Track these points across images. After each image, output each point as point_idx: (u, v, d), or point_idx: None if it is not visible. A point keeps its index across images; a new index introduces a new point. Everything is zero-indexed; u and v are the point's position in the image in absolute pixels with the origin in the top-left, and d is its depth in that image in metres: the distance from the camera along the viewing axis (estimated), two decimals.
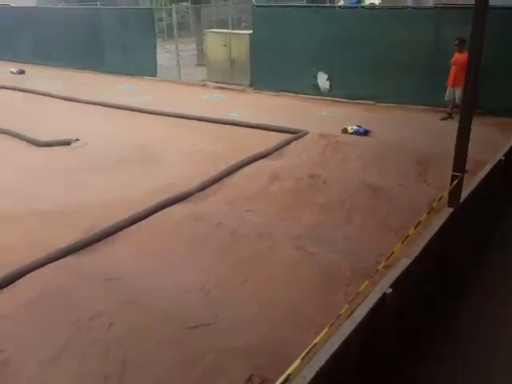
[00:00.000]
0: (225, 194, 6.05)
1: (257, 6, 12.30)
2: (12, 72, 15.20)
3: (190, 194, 5.95)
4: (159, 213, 5.49)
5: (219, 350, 3.34)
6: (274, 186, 6.13)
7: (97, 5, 20.60)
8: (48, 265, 4.42)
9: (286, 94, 11.44)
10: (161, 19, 22.08)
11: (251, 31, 12.34)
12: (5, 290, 4.15)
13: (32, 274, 4.30)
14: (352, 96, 10.55)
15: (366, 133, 8.37)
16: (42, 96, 11.85)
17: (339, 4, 16.22)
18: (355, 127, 8.45)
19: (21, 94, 12.19)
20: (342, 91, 10.71)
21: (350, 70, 10.41)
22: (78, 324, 3.66)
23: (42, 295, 4.01)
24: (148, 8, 19.34)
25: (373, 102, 10.30)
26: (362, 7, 12.31)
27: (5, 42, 17.52)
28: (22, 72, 15.27)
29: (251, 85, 12.32)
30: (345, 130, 8.40)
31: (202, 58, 15.76)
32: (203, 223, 5.20)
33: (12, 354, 3.43)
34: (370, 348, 2.67)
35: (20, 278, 4.27)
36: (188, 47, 16.31)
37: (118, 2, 23.43)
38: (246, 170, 6.70)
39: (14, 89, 12.57)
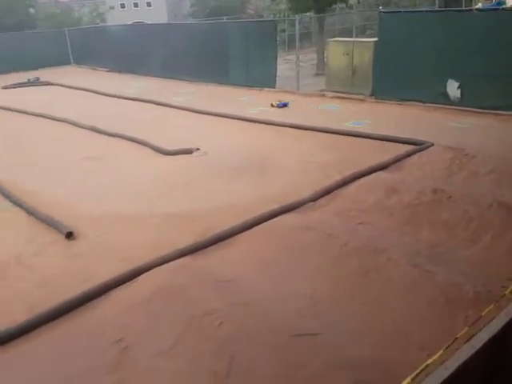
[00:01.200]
0: (337, 205, 5.93)
1: (384, 13, 11.98)
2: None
3: (301, 204, 5.93)
4: (271, 221, 5.55)
5: (324, 360, 3.28)
6: (391, 200, 5.86)
7: (223, 19, 21.70)
8: (167, 264, 4.70)
9: (410, 103, 10.93)
10: (283, 30, 22.54)
11: (376, 39, 12.05)
12: (127, 284, 4.48)
13: (152, 271, 4.60)
14: (486, 105, 9.73)
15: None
16: (164, 107, 12.75)
17: (477, 7, 15.11)
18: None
19: (152, 105, 13.22)
20: (475, 100, 9.91)
21: (484, 78, 9.62)
22: (190, 321, 3.83)
23: (160, 291, 4.26)
24: (271, 20, 19.89)
25: (510, 113, 9.38)
26: (504, 9, 11.30)
27: (138, 57, 19.15)
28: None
29: (372, 94, 12.00)
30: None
31: (321, 68, 15.78)
32: (314, 233, 5.15)
33: (131, 343, 3.69)
34: (488, 378, 2.38)
35: (141, 274, 4.58)
36: (308, 57, 16.44)
37: (244, 15, 24.44)
38: (361, 181, 6.51)
39: (145, 101, 13.65)
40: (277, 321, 3.77)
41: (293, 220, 5.52)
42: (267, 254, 4.88)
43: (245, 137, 9.33)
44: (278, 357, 3.37)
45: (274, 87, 14.18)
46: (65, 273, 4.81)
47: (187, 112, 12.01)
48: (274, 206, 5.80)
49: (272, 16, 25.81)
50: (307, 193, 6.16)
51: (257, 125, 10.20)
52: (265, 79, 14.33)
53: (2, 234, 5.82)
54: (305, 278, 4.40)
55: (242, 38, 15.17)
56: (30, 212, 6.24)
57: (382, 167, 6.98)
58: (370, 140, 8.44)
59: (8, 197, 6.85)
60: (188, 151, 8.43)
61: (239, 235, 5.30)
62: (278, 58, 14.72)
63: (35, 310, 4.10)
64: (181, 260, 4.80)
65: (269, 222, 5.53)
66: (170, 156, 8.40)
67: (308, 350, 3.43)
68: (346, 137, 8.77)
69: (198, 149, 8.44)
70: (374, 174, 6.69)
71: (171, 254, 4.88)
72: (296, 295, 4.13)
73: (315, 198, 6.09)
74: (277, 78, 14.25)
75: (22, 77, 19.43)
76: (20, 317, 4.04)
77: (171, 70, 17.52)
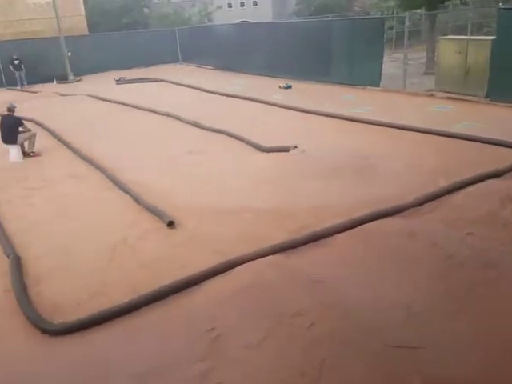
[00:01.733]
0: (444, 212, 5.54)
1: (504, 9, 11.04)
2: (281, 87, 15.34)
3: (404, 209, 5.62)
4: (369, 224, 5.34)
5: (425, 376, 3.07)
6: (506, 210, 5.36)
7: (328, 17, 21.44)
8: (260, 259, 4.71)
9: None
10: (391, 28, 21.74)
11: (494, 37, 11.16)
12: (221, 275, 4.57)
13: (245, 265, 4.65)
14: None
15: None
16: (266, 105, 12.87)
17: None
18: None
19: (252, 103, 13.42)
20: None
21: None
22: (280, 318, 3.79)
23: (252, 286, 4.29)
24: (379, 17, 19.26)
25: None
26: None
27: (241, 55, 19.56)
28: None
29: (487, 95, 11.12)
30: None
31: (431, 67, 14.96)
32: (416, 241, 4.86)
33: (221, 333, 3.75)
34: None
35: (235, 267, 4.65)
36: (416, 55, 15.67)
37: (351, 13, 23.99)
38: (471, 189, 6.03)
39: (245, 98, 13.89)
40: (371, 328, 3.61)
41: (393, 225, 5.26)
42: (364, 258, 4.69)
43: (346, 136, 9.12)
44: (374, 366, 3.22)
45: (379, 86, 13.71)
46: (164, 258, 5.05)
47: (287, 110, 12.03)
48: (372, 210, 5.57)
49: (380, 13, 24.98)
50: (410, 198, 5.83)
51: (359, 124, 9.93)
52: (369, 77, 13.91)
53: (111, 217, 6.28)
54: (403, 287, 4.16)
55: (346, 36, 14.90)
56: (136, 199, 6.64)
57: (496, 175, 6.41)
58: (483, 144, 7.82)
59: (117, 184, 7.36)
60: (285, 149, 8.42)
61: (335, 236, 5.17)
62: (384, 56, 14.22)
63: (137, 291, 4.35)
64: (274, 256, 4.79)
65: (367, 224, 5.33)
66: (268, 153, 8.45)
67: (407, 363, 3.24)
68: (457, 140, 8.21)
69: (295, 147, 8.40)
70: (486, 182, 6.17)
71: (264, 249, 4.89)
72: (393, 305, 3.92)
73: (419, 204, 5.74)
74: (382, 77, 13.76)
75: (134, 74, 20.84)
76: (122, 296, 4.30)
77: (273, 68, 17.70)
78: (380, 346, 3.40)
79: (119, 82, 19.20)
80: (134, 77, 19.95)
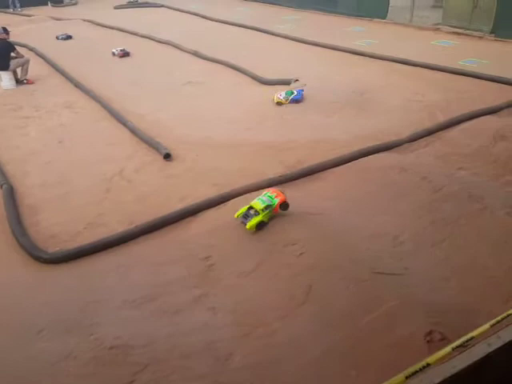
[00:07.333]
0: (437, 148, 5.59)
1: None
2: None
3: (399, 144, 5.67)
4: (364, 158, 5.40)
5: (403, 299, 3.25)
6: (497, 147, 5.40)
7: None
8: (256, 191, 4.76)
9: None
10: None
11: None
12: (218, 207, 4.68)
13: (241, 197, 4.73)
14: None
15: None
16: (269, 35, 12.45)
17: None
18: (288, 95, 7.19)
19: (254, 32, 12.99)
20: None
21: None
22: (272, 247, 3.95)
23: None
24: None
25: None
26: None
27: None
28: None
29: (493, 31, 10.75)
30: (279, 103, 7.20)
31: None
32: (408, 175, 4.94)
33: (216, 261, 3.92)
34: None
35: (231, 199, 4.75)
36: None
37: None
38: (467, 125, 6.04)
39: (248, 27, 13.42)
40: (359, 257, 3.76)
41: (388, 160, 5.32)
42: (356, 192, 4.80)
43: (348, 70, 8.93)
44: (357, 290, 3.39)
45: (385, 18, 13.22)
46: (161, 191, 5.14)
47: (290, 41, 11.68)
48: (370, 144, 5.60)
49: None
50: (406, 133, 5.85)
51: (361, 58, 9.71)
52: (376, 9, 13.38)
53: (109, 149, 6.29)
54: (392, 219, 4.29)
55: None
56: (133, 131, 6.63)
57: (492, 111, 6.40)
58: (483, 81, 7.71)
59: (114, 115, 7.30)
60: (286, 82, 8.28)
61: (331, 170, 5.25)
62: None
63: (133, 222, 4.48)
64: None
65: (362, 159, 5.39)
66: (268, 85, 8.32)
67: (388, 288, 3.41)
68: (457, 76, 8.08)
69: (296, 80, 8.25)
70: (482, 118, 6.16)
71: (261, 182, 4.97)
72: (381, 234, 4.06)
73: (414, 139, 5.78)
74: (389, 8, 13.23)
75: None
76: (119, 227, 4.43)
77: None
78: (364, 272, 3.56)
79: (118, 7, 18.43)
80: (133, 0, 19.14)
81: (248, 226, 4.08)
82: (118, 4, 18.66)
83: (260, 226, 4.13)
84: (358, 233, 4.10)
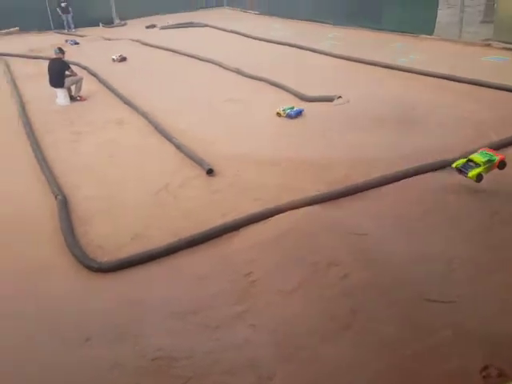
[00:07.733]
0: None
1: None
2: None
3: (449, 163, 5.47)
4: (413, 178, 5.24)
5: (457, 329, 3.08)
6: None
7: None
8: (298, 209, 4.74)
9: None
10: None
11: None
12: (260, 223, 4.66)
13: (284, 214, 4.70)
14: None
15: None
16: (307, 51, 12.48)
17: None
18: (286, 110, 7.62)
19: (296, 50, 13.01)
20: None
21: None
22: (315, 267, 3.86)
23: (289, 234, 4.36)
24: None
25: None
26: None
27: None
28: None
29: None
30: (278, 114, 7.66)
31: (489, 15, 13.91)
32: (461, 197, 4.74)
33: (258, 277, 3.88)
34: None
35: (273, 215, 4.72)
36: (474, 2, 14.60)
37: None
38: None
39: (290, 45, 13.45)
40: (407, 281, 3.62)
41: (438, 180, 5.14)
42: (405, 212, 4.64)
43: (394, 87, 8.78)
44: (405, 317, 3.25)
45: (432, 34, 12.96)
46: (205, 205, 5.20)
47: (333, 58, 11.63)
48: (417, 163, 5.44)
49: None
50: (457, 152, 5.64)
51: (407, 74, 9.51)
52: (422, 25, 13.13)
53: (155, 164, 6.45)
54: (444, 243, 4.11)
55: None
56: (178, 147, 6.75)
57: None
58: None
59: (160, 131, 7.48)
60: (329, 98, 8.23)
61: (375, 190, 5.12)
62: (440, 2, 13.33)
63: (177, 236, 4.54)
64: (312, 207, 4.80)
65: (410, 179, 5.23)
66: (310, 102, 8.30)
67: (440, 316, 3.25)
68: (510, 94, 7.74)
69: (339, 97, 8.18)
70: None
71: (303, 199, 4.91)
72: (431, 258, 3.90)
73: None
74: (436, 25, 12.97)
75: (180, 18, 20.53)
76: (163, 240, 4.50)
77: (320, 13, 17.01)
78: (414, 299, 3.42)
79: (165, 27, 19.07)
80: (179, 21, 19.73)
81: (470, 175, 4.53)
82: (164, 25, 19.31)
83: (479, 177, 4.49)
84: (405, 255, 3.95)
